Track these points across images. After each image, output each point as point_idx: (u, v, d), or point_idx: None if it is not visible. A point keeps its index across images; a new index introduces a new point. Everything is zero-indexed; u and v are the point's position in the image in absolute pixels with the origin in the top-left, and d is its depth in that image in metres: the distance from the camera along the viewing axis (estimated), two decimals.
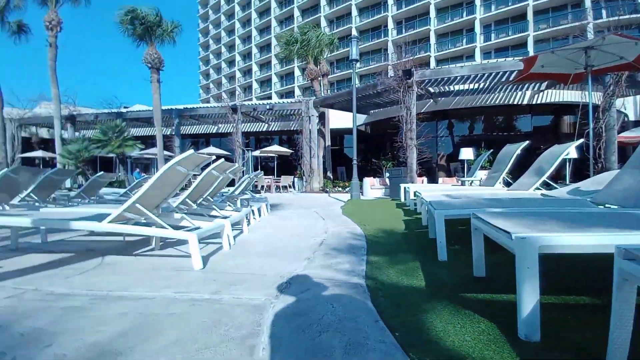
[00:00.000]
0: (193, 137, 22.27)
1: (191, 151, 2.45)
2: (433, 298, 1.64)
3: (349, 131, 20.20)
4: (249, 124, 20.13)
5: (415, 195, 5.16)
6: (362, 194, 10.52)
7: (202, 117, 18.98)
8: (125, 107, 21.06)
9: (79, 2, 13.29)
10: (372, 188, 11.62)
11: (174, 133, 17.87)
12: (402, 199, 6.95)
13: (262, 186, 16.02)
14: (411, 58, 10.36)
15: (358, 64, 9.90)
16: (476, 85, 12.16)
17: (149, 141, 19.22)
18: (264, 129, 20.75)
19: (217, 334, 1.26)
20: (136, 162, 21.08)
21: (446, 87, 12.55)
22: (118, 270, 2.29)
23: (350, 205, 7.42)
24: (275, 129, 20.52)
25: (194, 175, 3.17)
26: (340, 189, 15.47)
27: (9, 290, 1.78)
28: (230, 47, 58.07)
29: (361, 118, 18.04)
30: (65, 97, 15.88)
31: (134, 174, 17.88)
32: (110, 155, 15.20)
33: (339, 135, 21.41)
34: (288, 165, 20.46)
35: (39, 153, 17.56)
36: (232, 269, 2.30)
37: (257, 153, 17.87)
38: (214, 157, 3.16)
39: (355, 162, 9.32)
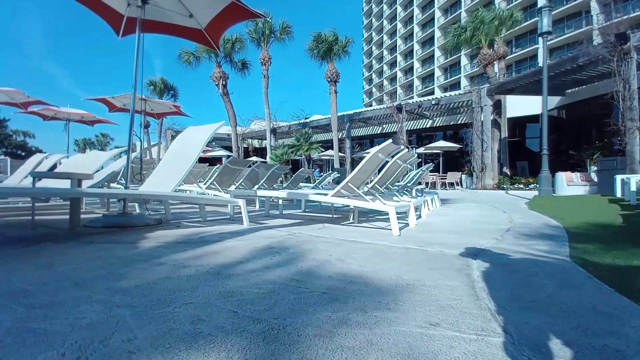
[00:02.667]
0: (359, 139, 24.29)
1: (389, 141, 3.02)
2: None
3: (532, 119, 17.14)
4: (412, 121, 20.21)
5: (638, 187, 4.12)
6: (553, 192, 8.88)
7: (368, 120, 20.50)
8: (306, 118, 25.29)
9: (283, 40, 17.18)
10: (570, 184, 9.57)
11: (345, 136, 20.16)
12: (619, 194, 5.56)
13: (427, 183, 15.84)
14: (624, 17, 7.93)
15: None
16: None
17: (323, 145, 22.40)
18: (428, 126, 20.32)
19: (437, 264, 1.69)
20: (314, 162, 24.89)
21: None
22: (337, 231, 3.09)
23: (539, 200, 6.53)
24: (440, 124, 19.73)
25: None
26: (521, 186, 13.44)
27: (285, 232, 2.82)
28: (392, 49, 59.41)
29: (552, 101, 15.03)
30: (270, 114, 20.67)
31: (314, 172, 21.27)
32: (297, 157, 18.79)
33: (518, 125, 18.47)
34: (454, 162, 19.28)
35: (253, 158, 23.57)
36: (425, 239, 2.69)
37: (421, 150, 17.78)
38: (401, 147, 3.67)
39: (545, 151, 8.01)
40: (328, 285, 1.32)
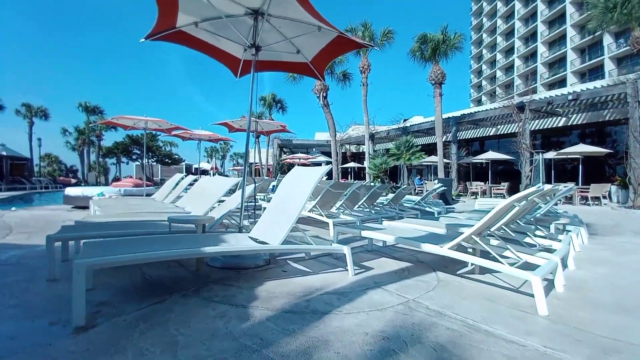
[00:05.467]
0: (467, 142, 21.83)
1: (533, 188, 2.39)
2: None
3: None
4: (536, 120, 17.06)
5: None
6: None
7: (480, 122, 18.24)
8: (404, 120, 24.10)
9: (384, 47, 16.78)
10: None
11: (450, 140, 18.40)
12: None
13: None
14: None
15: None
16: None
17: (424, 148, 20.89)
18: (559, 125, 16.83)
19: None
20: (414, 167, 23.55)
21: None
22: (457, 295, 2.54)
23: None
24: (577, 122, 16.11)
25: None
26: None
27: (396, 298, 2.44)
28: (508, 34, 52.16)
29: None
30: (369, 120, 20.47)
31: (415, 180, 20.09)
32: (395, 164, 18.04)
33: None
34: (599, 169, 15.54)
35: (351, 164, 23.76)
36: (587, 326, 2.00)
37: (551, 155, 14.86)
38: (554, 186, 2.92)
39: None
40: None
